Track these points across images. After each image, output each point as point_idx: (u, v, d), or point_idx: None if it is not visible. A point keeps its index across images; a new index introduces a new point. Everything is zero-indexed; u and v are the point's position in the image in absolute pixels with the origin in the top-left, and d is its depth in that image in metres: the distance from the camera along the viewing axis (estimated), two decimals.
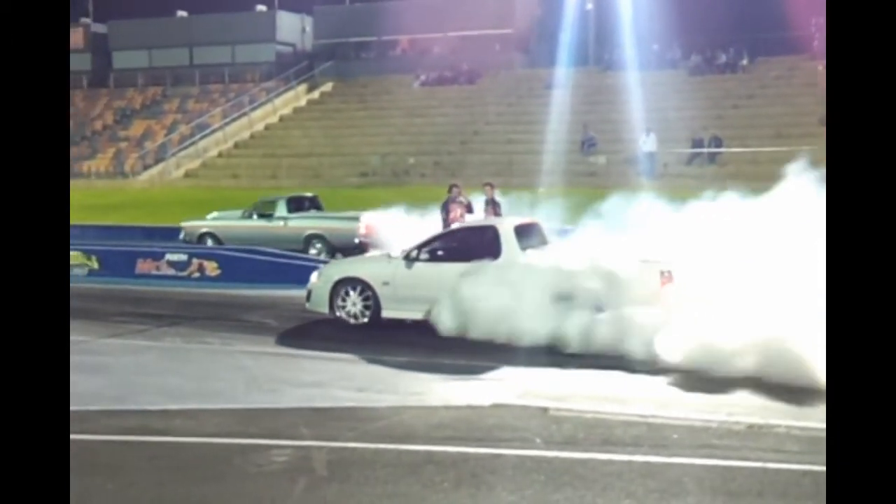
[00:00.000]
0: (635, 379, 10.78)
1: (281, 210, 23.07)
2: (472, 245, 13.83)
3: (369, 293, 14.05)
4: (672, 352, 10.99)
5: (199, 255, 20.12)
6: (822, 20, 5.41)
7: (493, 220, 14.71)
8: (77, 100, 55.28)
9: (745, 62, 41.87)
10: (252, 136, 46.69)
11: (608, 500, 6.88)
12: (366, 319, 14.02)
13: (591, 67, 45.53)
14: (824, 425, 5.26)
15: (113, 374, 11.44)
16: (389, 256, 14.38)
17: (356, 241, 21.32)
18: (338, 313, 14.18)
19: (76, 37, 59.02)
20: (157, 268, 20.15)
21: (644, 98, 35.71)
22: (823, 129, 6.41)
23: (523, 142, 37.93)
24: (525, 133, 38.65)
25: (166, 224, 25.63)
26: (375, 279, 14.02)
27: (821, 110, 26.60)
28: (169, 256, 20.23)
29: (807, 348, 9.78)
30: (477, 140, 40.75)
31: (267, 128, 47.36)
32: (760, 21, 40.67)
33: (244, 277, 19.02)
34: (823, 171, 5.56)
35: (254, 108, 48.29)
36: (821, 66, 31.85)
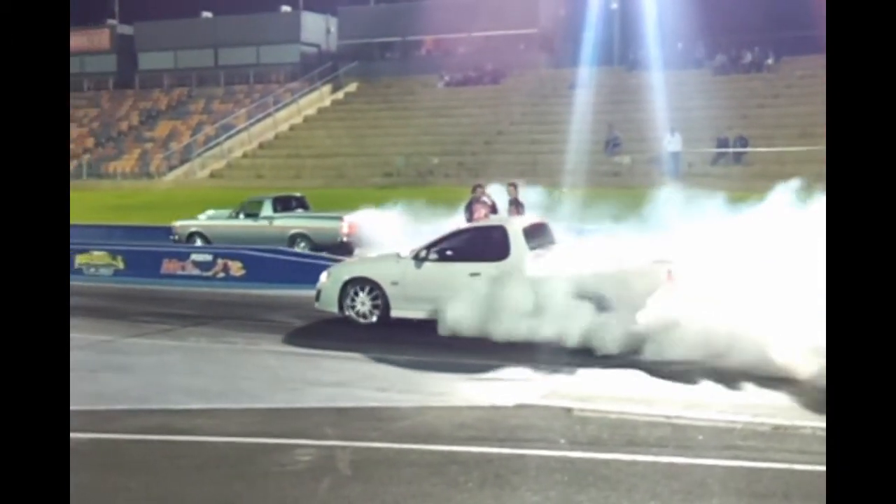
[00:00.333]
0: (660, 379, 10.74)
1: (266, 210, 23.86)
2: (481, 245, 13.93)
3: (378, 293, 14.12)
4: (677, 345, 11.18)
5: (223, 256, 20.18)
6: None
7: (501, 220, 14.76)
8: (103, 101, 55.72)
9: (770, 61, 41.63)
10: (276, 137, 46.82)
11: (633, 501, 6.85)
12: (374, 319, 14.11)
13: (616, 67, 45.39)
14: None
15: (138, 373, 11.48)
16: (398, 256, 14.43)
17: (340, 240, 22.08)
18: (347, 313, 14.26)
19: (102, 38, 59.54)
20: (183, 268, 20.24)
21: (669, 97, 35.55)
22: None
23: (547, 142, 37.86)
24: (549, 133, 38.58)
25: None
26: (384, 279, 14.10)
27: None
28: (194, 257, 20.33)
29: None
30: (501, 140, 40.70)
31: (291, 128, 47.48)
32: (786, 20, 40.42)
33: (269, 277, 19.08)
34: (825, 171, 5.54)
35: (278, 109, 48.41)
36: None
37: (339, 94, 50.07)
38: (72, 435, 8.50)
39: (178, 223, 25.14)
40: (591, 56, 41.84)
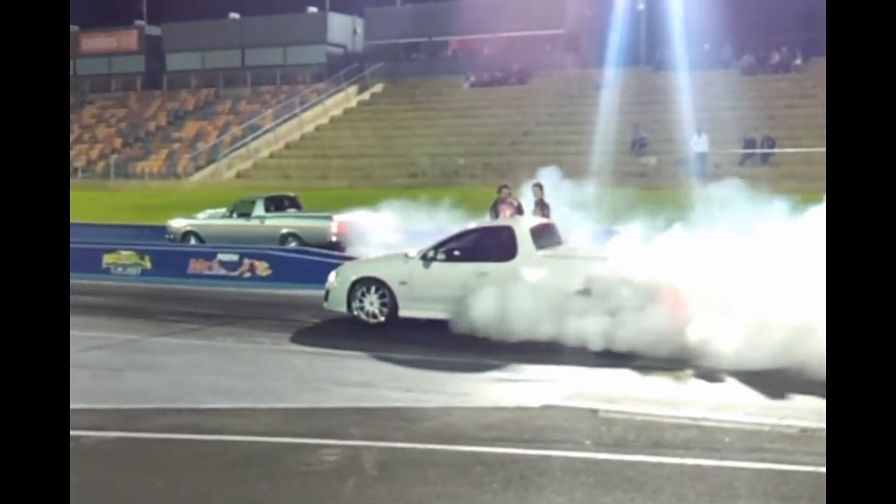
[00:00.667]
0: (685, 381, 10.71)
1: (258, 209, 24.34)
2: (489, 245, 14.04)
3: (386, 293, 14.19)
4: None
5: (250, 256, 20.28)
6: None
7: (508, 221, 14.84)
8: (131, 101, 56.08)
9: (798, 62, 41.37)
10: (303, 137, 46.96)
11: (658, 503, 6.83)
12: (383, 319, 14.19)
13: (643, 67, 45.23)
14: None
15: (165, 372, 11.54)
16: (407, 256, 14.54)
17: (329, 239, 22.54)
18: (355, 313, 14.36)
19: (130, 39, 59.96)
20: (210, 268, 20.34)
21: (696, 98, 35.37)
22: None
23: (574, 142, 37.76)
24: (575, 134, 38.49)
25: None
26: (392, 279, 14.19)
27: None
28: (221, 256, 20.42)
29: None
30: (527, 141, 40.65)
31: (317, 129, 47.60)
32: (814, 20, 40.08)
33: (294, 277, 19.15)
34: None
35: (305, 110, 48.55)
36: None
37: (366, 95, 50.16)
38: (99, 433, 8.62)
39: (172, 222, 25.63)
40: (618, 56, 41.72)
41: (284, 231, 23.59)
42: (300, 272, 19.28)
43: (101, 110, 56.14)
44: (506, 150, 39.93)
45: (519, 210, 18.21)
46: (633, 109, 38.38)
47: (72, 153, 50.35)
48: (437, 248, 14.15)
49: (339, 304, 14.57)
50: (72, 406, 9.60)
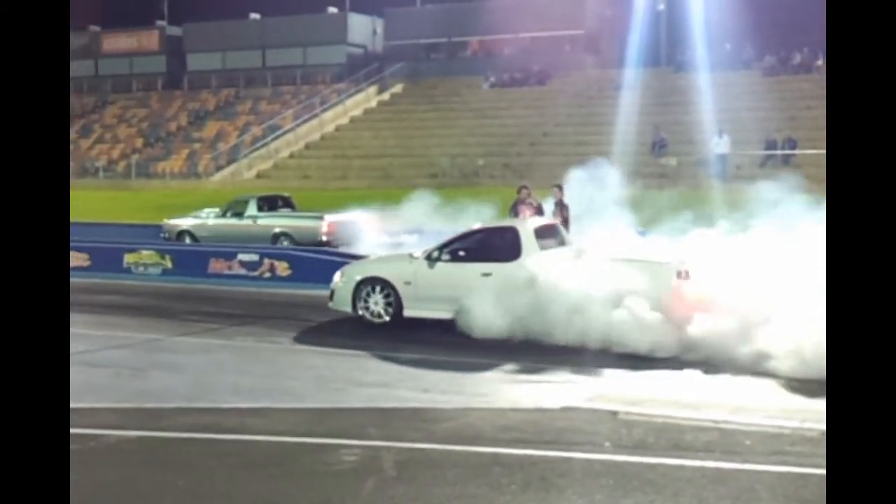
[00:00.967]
0: (706, 383, 10.68)
1: (251, 209, 24.84)
2: (493, 245, 14.16)
3: (391, 292, 14.28)
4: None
5: (270, 256, 20.32)
6: None
7: (513, 221, 14.92)
8: (152, 101, 56.33)
9: (820, 62, 41.11)
10: (323, 138, 47.05)
11: None
12: (388, 318, 14.28)
13: (663, 68, 45.13)
14: None
15: (186, 372, 11.59)
16: (411, 256, 14.66)
17: (320, 238, 23.11)
18: (360, 312, 14.46)
19: (151, 39, 60.22)
20: (230, 267, 20.39)
21: (716, 99, 35.24)
22: None
23: (593, 143, 37.63)
24: (595, 135, 38.39)
25: None
26: (397, 279, 14.29)
27: None
28: (241, 256, 20.47)
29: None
30: (546, 142, 40.62)
31: (337, 129, 47.69)
32: None
33: (314, 277, 19.11)
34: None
35: (325, 110, 48.66)
36: None
37: (385, 95, 50.22)
38: (120, 432, 8.66)
39: (168, 221, 26.11)
40: (638, 57, 41.60)
41: (277, 230, 24.10)
42: (320, 272, 19.21)
43: (122, 110, 56.43)
44: (525, 150, 39.89)
45: (539, 211, 18.18)
46: (653, 110, 38.27)
47: (93, 153, 50.69)
48: (441, 248, 14.26)
49: (343, 304, 14.69)
50: (94, 405, 9.72)
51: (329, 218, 23.88)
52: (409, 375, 11.21)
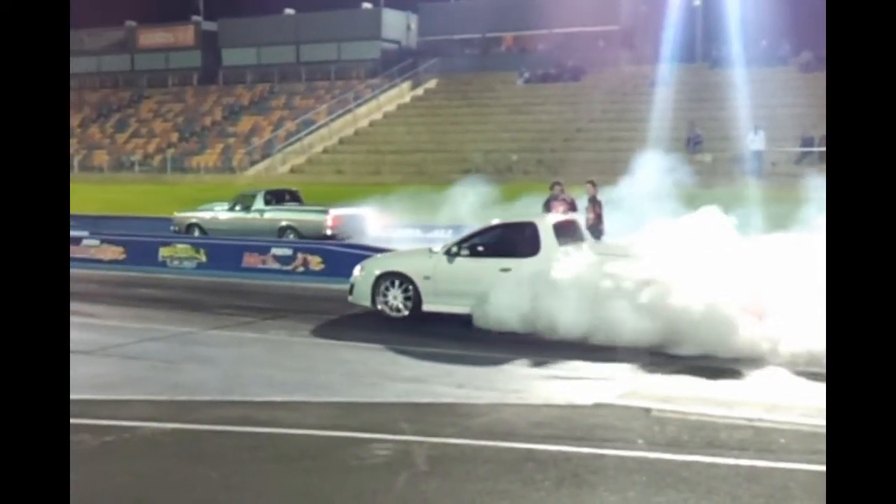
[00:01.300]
0: (740, 381, 10.61)
1: (258, 203, 25.42)
2: (512, 241, 14.24)
3: (410, 287, 14.40)
4: None
5: (303, 250, 20.41)
6: None
7: (532, 217, 14.91)
8: (187, 96, 56.70)
9: None
10: (356, 133, 47.15)
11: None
12: (406, 312, 14.44)
13: (699, 64, 44.84)
14: None
15: (220, 365, 11.65)
16: (430, 251, 14.78)
17: (324, 232, 23.78)
18: (379, 306, 14.63)
19: (187, 35, 60.59)
20: (263, 262, 20.50)
21: (752, 95, 34.96)
22: None
23: (627, 139, 37.47)
24: (629, 131, 38.22)
25: None
26: (416, 273, 14.44)
27: None
28: (275, 251, 20.58)
29: None
30: (580, 137, 40.48)
31: (371, 124, 47.77)
32: None
33: (348, 272, 19.09)
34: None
35: (358, 105, 48.76)
36: None
37: (419, 91, 50.25)
38: (155, 424, 8.72)
39: (177, 214, 26.69)
40: (673, 53, 41.39)
41: (283, 224, 24.61)
42: (353, 266, 19.29)
43: (158, 105, 56.82)
44: (559, 146, 39.78)
45: (572, 207, 18.13)
46: (688, 106, 38.04)
47: (129, 147, 51.10)
48: (460, 243, 14.42)
49: (363, 298, 14.85)
50: (130, 397, 9.80)
51: (333, 212, 24.42)
52: (442, 371, 11.21)
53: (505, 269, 13.68)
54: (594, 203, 18.35)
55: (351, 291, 15.10)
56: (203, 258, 21.29)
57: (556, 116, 42.66)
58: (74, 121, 57.24)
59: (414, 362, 11.77)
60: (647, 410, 9.33)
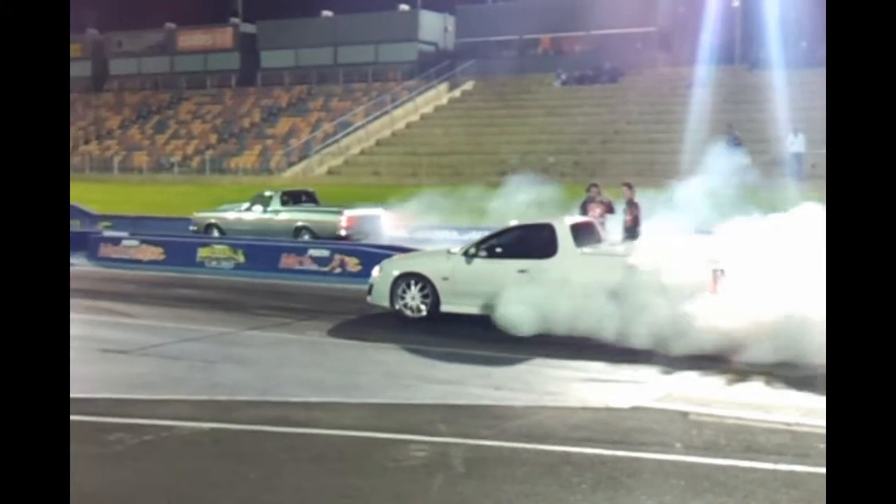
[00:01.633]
0: (778, 385, 10.53)
1: (275, 204, 25.72)
2: (530, 242, 14.26)
3: (428, 288, 14.47)
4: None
5: (340, 251, 20.47)
6: None
7: (549, 219, 14.88)
8: (226, 98, 57.13)
9: None
10: (393, 134, 47.29)
11: None
12: (424, 313, 14.50)
13: (737, 66, 44.58)
14: None
15: (257, 365, 11.72)
16: (449, 252, 14.82)
17: (339, 232, 24.00)
18: (397, 307, 14.70)
19: (226, 37, 61.10)
20: (301, 263, 20.58)
21: (791, 97, 34.72)
22: None
23: (665, 141, 37.38)
24: (667, 132, 38.10)
25: None
26: (435, 274, 14.50)
27: None
28: (312, 252, 20.65)
29: None
30: (618, 139, 40.37)
31: (408, 126, 47.89)
32: None
33: None
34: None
35: (396, 107, 48.92)
36: None
37: (456, 93, 50.32)
38: (193, 424, 8.79)
39: (197, 214, 26.99)
40: (711, 54, 41.18)
41: (298, 224, 24.89)
42: None
43: (196, 106, 57.29)
44: (596, 148, 39.69)
45: (609, 209, 18.09)
46: (726, 108, 37.83)
47: (168, 148, 51.53)
48: (479, 244, 14.48)
49: (381, 299, 14.93)
50: (169, 396, 9.90)
51: (348, 212, 24.64)
52: (478, 372, 11.22)
53: (522, 271, 13.75)
54: (631, 205, 18.26)
55: (370, 292, 15.22)
56: (241, 259, 21.42)
57: (593, 118, 42.56)
58: (114, 122, 57.79)
59: (448, 364, 11.78)
60: (685, 414, 9.29)
